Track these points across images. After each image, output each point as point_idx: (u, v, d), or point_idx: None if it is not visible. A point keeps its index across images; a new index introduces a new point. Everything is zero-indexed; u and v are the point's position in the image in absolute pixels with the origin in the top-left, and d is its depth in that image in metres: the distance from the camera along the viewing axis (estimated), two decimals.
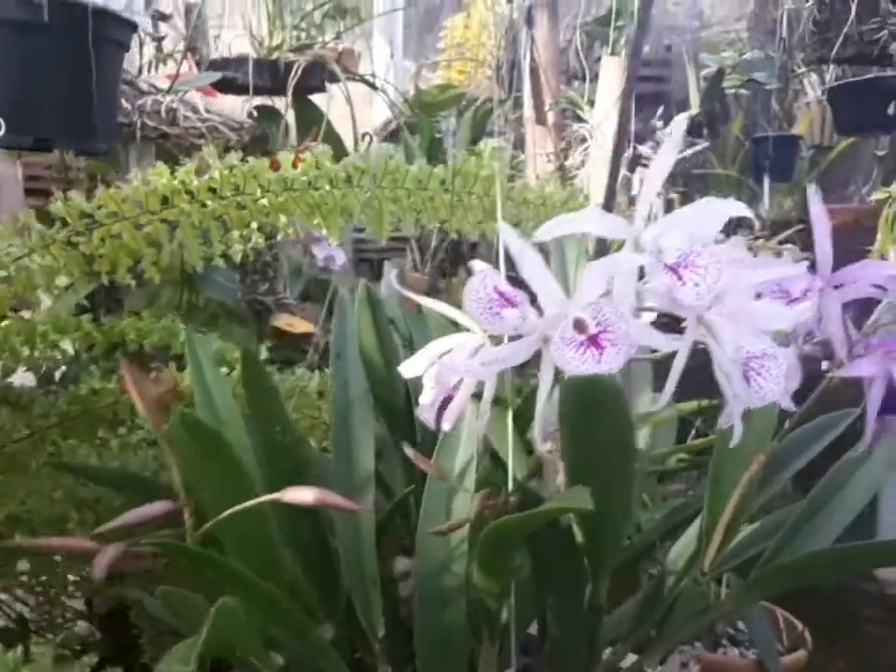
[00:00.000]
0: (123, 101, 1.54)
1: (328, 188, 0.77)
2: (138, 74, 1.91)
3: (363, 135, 3.02)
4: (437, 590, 0.57)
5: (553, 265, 0.68)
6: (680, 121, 0.61)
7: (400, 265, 1.97)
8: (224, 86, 1.94)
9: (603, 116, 1.78)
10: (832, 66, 3.13)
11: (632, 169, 1.87)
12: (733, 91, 3.15)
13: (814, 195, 0.55)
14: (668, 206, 2.65)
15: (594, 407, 0.48)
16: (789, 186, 3.48)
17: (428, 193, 0.78)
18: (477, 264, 0.44)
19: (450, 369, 0.45)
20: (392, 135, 3.09)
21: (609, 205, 0.92)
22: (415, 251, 1.94)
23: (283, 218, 0.80)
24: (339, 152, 2.03)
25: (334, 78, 2.35)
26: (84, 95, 1.07)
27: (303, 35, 2.52)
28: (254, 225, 0.81)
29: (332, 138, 2.06)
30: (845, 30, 2.13)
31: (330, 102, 3.20)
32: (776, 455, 0.69)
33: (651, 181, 0.45)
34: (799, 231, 3.19)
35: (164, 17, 2.86)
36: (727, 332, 0.44)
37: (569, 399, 0.49)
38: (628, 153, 1.81)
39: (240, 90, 1.91)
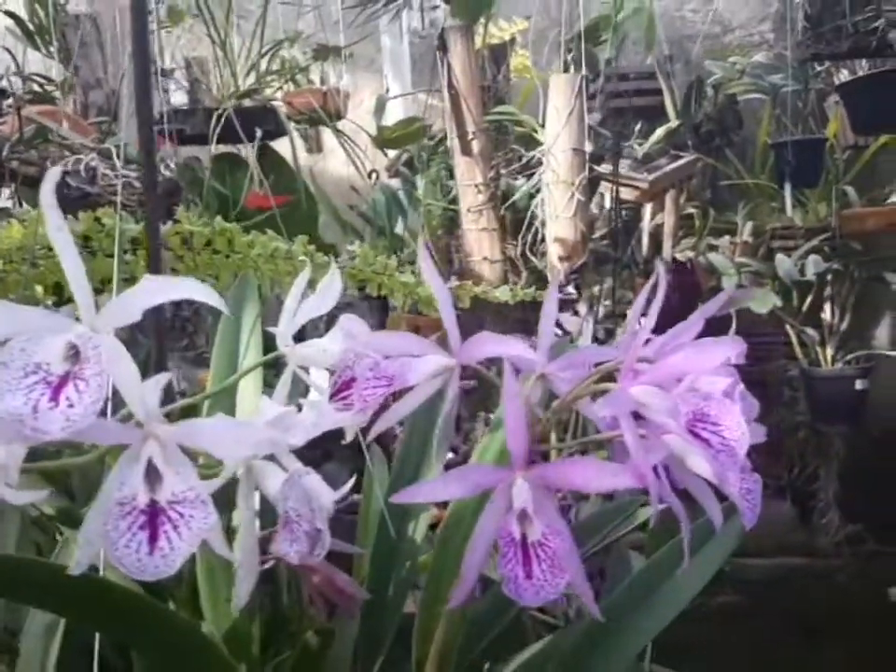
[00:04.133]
0: (48, 161, 1.56)
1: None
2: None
3: (370, 173, 3.01)
4: None
5: (223, 333, 0.60)
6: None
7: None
8: (182, 137, 1.94)
9: (553, 138, 1.68)
10: (864, 61, 2.91)
11: (591, 192, 1.76)
12: (749, 95, 2.96)
13: (423, 248, 0.45)
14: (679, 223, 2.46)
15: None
16: (824, 191, 3.24)
17: (172, 252, 0.72)
18: None
19: None
20: (398, 172, 3.05)
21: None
22: None
23: (39, 289, 0.76)
24: (291, 193, 1.98)
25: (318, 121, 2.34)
26: None
27: (282, 78, 2.53)
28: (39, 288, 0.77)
29: (292, 183, 2.03)
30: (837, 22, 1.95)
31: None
32: None
33: None
34: (827, 240, 2.96)
35: (165, 72, 2.95)
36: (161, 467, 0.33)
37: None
38: (584, 175, 1.70)
39: (190, 140, 1.92)
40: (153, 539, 0.32)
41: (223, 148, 2.14)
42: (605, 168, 1.79)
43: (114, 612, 0.36)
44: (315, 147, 3.32)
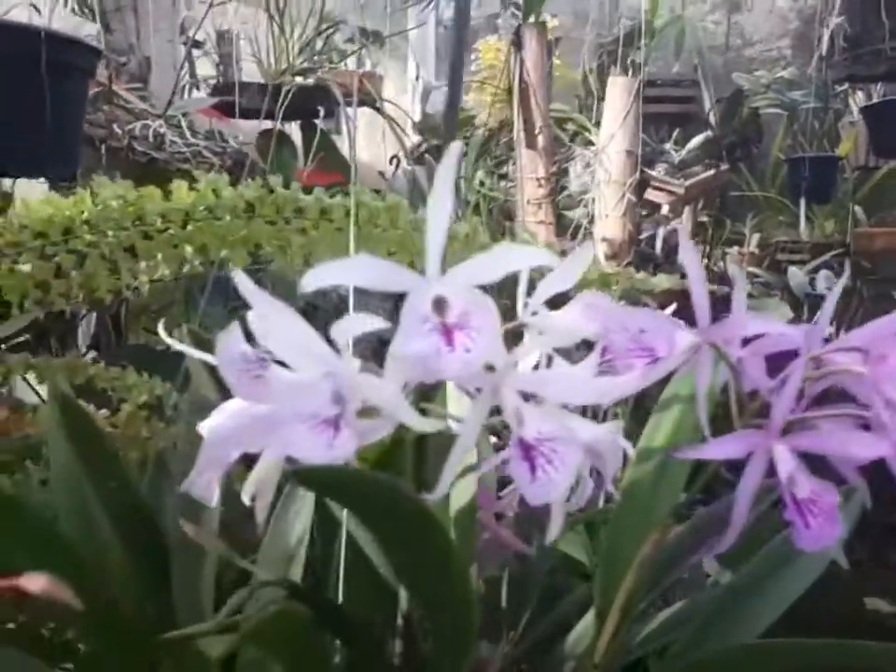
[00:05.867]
0: (114, 126, 1.56)
1: (228, 217, 0.74)
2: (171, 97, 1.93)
3: (391, 158, 3.02)
4: None
5: None
6: None
7: None
8: (230, 110, 1.95)
9: (608, 139, 1.72)
10: (879, 84, 2.99)
11: (640, 193, 1.80)
12: (768, 110, 3.03)
13: (685, 239, 0.48)
14: (697, 229, 2.52)
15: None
16: (832, 208, 3.33)
17: (335, 224, 0.74)
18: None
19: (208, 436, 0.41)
20: (421, 158, 3.07)
21: None
22: None
23: (189, 249, 0.78)
24: (344, 176, 2.00)
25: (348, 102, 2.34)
26: (39, 122, 1.07)
27: (324, 59, 2.53)
28: (160, 256, 0.78)
29: (338, 163, 2.05)
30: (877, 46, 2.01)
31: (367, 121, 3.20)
32: (698, 524, 0.61)
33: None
34: (837, 256, 3.04)
35: (197, 44, 2.92)
36: (526, 411, 0.37)
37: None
38: (635, 177, 1.74)
39: (245, 114, 1.92)
40: (532, 470, 0.36)
41: (268, 125, 2.15)
42: (655, 171, 1.84)
43: (398, 514, 0.39)
44: (335, 128, 3.33)
